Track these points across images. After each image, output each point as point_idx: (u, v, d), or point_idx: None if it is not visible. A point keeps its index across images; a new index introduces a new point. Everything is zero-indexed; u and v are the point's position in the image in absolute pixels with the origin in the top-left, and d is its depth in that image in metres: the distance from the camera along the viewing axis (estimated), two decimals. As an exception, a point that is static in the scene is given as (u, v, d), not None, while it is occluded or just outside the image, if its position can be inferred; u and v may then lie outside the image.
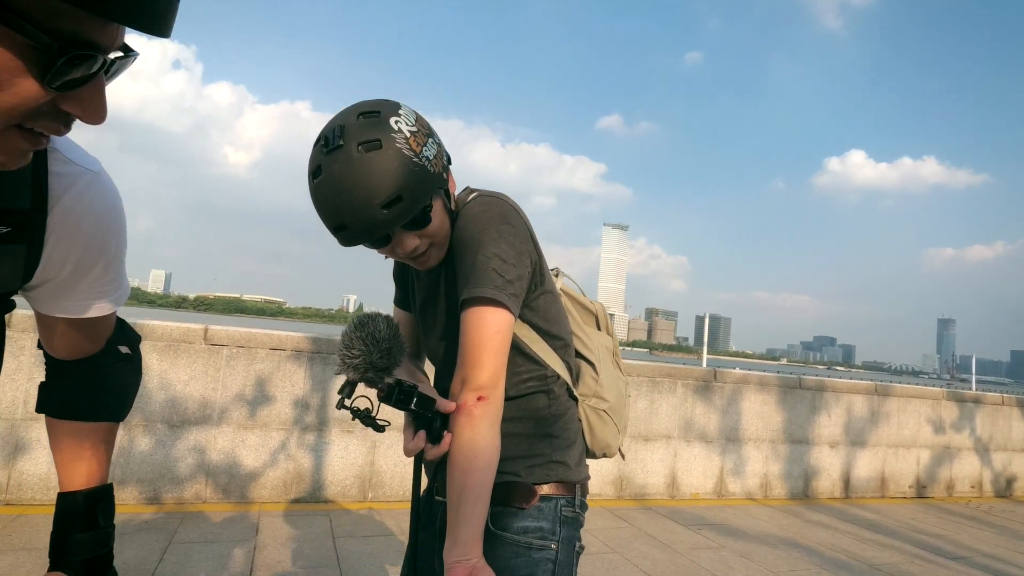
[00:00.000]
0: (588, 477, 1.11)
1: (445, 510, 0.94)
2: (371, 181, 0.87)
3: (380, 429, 0.95)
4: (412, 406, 0.93)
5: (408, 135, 0.92)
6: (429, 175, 0.93)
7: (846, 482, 5.61)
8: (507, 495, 1.00)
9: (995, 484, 6.41)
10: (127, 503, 3.45)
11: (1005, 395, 6.76)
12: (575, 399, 1.12)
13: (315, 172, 0.91)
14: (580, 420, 1.11)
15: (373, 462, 3.98)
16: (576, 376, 1.14)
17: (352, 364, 0.92)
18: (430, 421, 0.95)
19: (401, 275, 1.23)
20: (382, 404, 0.94)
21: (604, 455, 1.17)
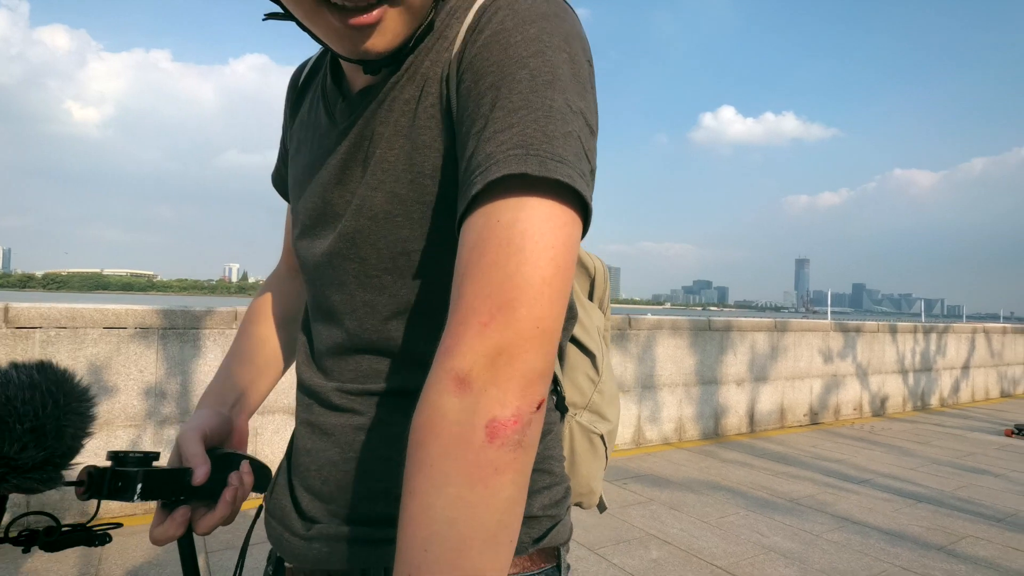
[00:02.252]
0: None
1: None
2: None
3: (102, 541, 0.60)
4: (138, 495, 0.56)
5: None
6: None
7: (751, 417, 5.76)
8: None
9: (872, 405, 6.96)
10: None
11: (880, 323, 7.31)
12: (564, 410, 0.69)
13: None
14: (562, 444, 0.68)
15: (256, 451, 3.35)
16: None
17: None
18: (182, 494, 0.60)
19: (292, 117, 0.71)
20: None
21: (579, 504, 0.74)
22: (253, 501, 0.64)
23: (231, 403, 0.72)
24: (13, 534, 0.55)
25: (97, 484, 0.57)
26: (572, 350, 0.72)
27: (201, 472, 0.59)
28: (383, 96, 0.54)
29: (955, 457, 4.96)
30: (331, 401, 0.59)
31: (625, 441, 4.89)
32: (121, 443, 3.02)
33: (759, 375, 5.84)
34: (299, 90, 0.70)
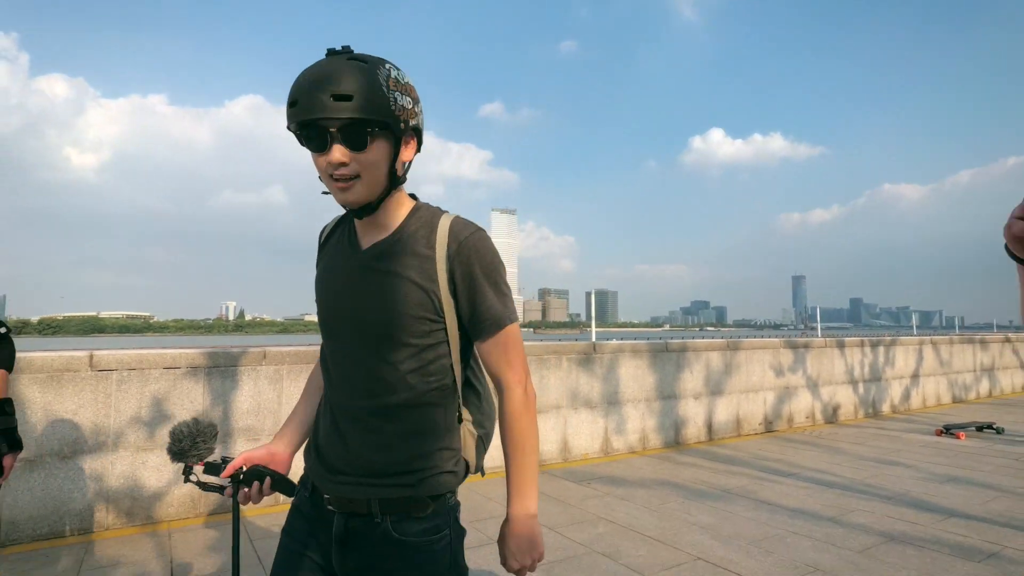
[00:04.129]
0: None
1: (340, 519, 1.09)
2: (337, 75, 0.97)
3: (220, 490, 1.21)
4: (218, 476, 1.22)
5: (394, 78, 1.02)
6: (388, 109, 1.00)
7: (709, 427, 6.53)
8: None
9: (824, 413, 7.73)
10: (22, 542, 3.34)
11: (827, 339, 8.13)
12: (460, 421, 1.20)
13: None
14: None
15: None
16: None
17: (171, 452, 1.28)
18: (236, 481, 1.19)
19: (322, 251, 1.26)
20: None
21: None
22: (265, 508, 1.45)
23: (280, 439, 1.26)
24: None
25: (207, 469, 1.24)
26: (470, 389, 1.22)
27: (233, 466, 1.19)
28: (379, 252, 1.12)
29: (881, 454, 5.73)
30: (346, 414, 1.13)
31: (595, 451, 5.66)
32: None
33: (715, 389, 6.63)
34: (323, 240, 1.25)
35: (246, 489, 1.17)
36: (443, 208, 1.18)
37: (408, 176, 1.14)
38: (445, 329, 1.10)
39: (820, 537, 3.44)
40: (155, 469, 3.74)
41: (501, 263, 1.12)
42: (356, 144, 1.00)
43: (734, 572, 2.96)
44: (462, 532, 1.15)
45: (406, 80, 1.05)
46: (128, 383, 3.72)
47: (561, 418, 5.50)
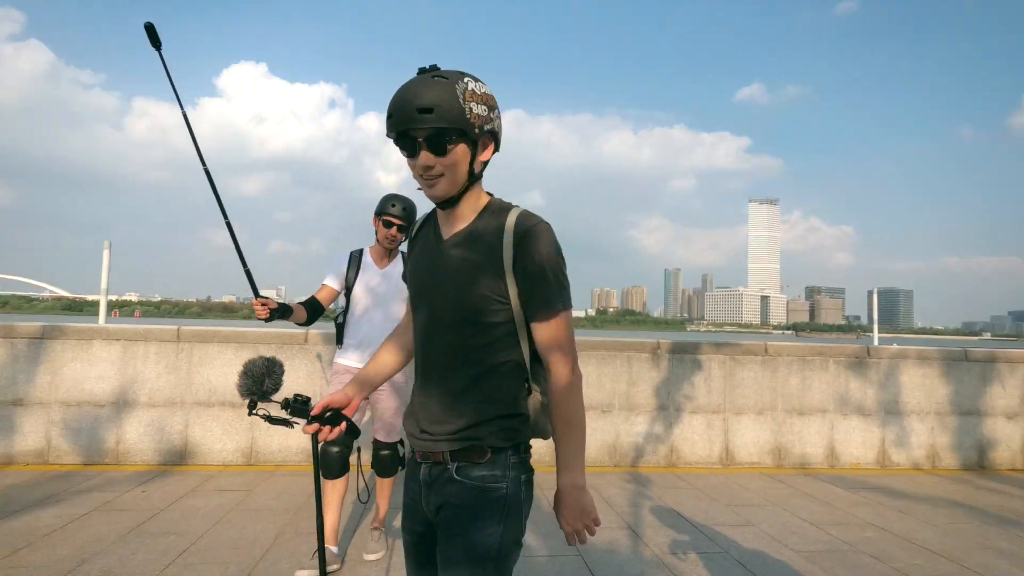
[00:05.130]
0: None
1: (426, 467, 1.28)
2: (421, 91, 1.14)
3: (290, 426, 1.42)
4: (288, 412, 1.34)
5: (471, 89, 1.17)
6: (464, 119, 1.15)
7: (1030, 453, 5.47)
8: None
9: None
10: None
11: None
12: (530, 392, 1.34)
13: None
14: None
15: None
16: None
17: (241, 389, 1.50)
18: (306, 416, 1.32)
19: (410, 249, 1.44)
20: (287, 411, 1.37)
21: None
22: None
23: (356, 385, 1.38)
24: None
25: (283, 406, 1.33)
26: (539, 364, 1.31)
27: (311, 426, 1.30)
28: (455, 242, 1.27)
29: None
30: (429, 382, 1.29)
31: (868, 461, 5.29)
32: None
33: (1039, 410, 5.52)
34: (414, 235, 1.42)
35: (326, 428, 1.31)
36: (514, 206, 1.31)
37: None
38: (511, 310, 1.23)
39: None
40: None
41: (558, 254, 1.24)
42: (438, 150, 1.16)
43: (1037, 600, 2.70)
44: (521, 489, 1.25)
45: (483, 90, 1.19)
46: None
47: (827, 422, 5.29)
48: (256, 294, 2.44)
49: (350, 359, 2.99)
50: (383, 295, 3.01)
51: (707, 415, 5.18)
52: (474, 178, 1.24)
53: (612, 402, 5.10)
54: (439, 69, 1.18)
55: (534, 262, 1.20)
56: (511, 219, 1.23)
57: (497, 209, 1.27)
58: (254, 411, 1.46)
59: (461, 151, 1.18)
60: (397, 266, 3.07)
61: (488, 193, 1.31)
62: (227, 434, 4.69)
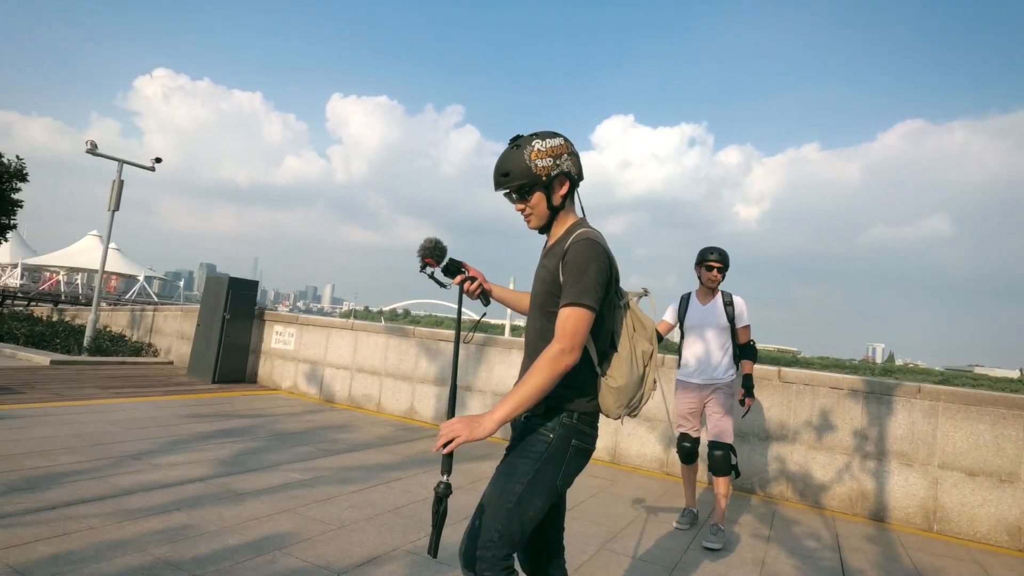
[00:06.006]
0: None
1: (517, 422, 1.66)
2: (502, 161, 1.62)
3: (443, 286, 1.84)
4: (444, 264, 1.82)
5: (536, 149, 1.58)
6: (532, 173, 1.58)
7: None
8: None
9: None
10: (780, 498, 5.02)
11: None
12: (596, 374, 1.64)
13: None
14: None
15: (936, 497, 4.37)
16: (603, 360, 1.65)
17: (420, 253, 1.84)
18: (459, 275, 1.84)
19: None
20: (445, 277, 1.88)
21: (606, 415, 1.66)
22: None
23: (494, 285, 1.91)
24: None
25: (440, 265, 1.84)
26: (606, 354, 1.62)
27: (468, 282, 1.86)
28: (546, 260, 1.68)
29: None
30: (527, 360, 1.67)
31: None
32: (839, 464, 4.72)
33: None
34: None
35: (470, 284, 1.84)
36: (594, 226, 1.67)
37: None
38: None
39: None
40: (822, 465, 4.77)
41: (592, 263, 1.51)
42: (522, 199, 1.64)
43: None
44: (567, 448, 1.57)
45: (548, 146, 1.59)
46: (803, 395, 4.94)
47: None
48: None
49: (685, 374, 3.81)
50: (705, 325, 3.76)
51: None
52: (555, 210, 1.64)
53: (1018, 471, 4.26)
54: (521, 137, 1.63)
55: (567, 265, 1.54)
56: (570, 236, 1.59)
57: (572, 229, 1.63)
58: (423, 270, 1.82)
59: (537, 196, 1.61)
60: (717, 303, 3.78)
61: (578, 216, 1.71)
62: (599, 438, 5.75)
